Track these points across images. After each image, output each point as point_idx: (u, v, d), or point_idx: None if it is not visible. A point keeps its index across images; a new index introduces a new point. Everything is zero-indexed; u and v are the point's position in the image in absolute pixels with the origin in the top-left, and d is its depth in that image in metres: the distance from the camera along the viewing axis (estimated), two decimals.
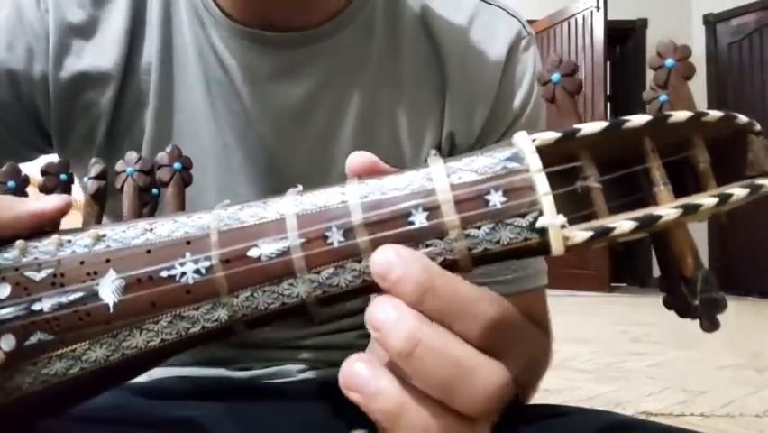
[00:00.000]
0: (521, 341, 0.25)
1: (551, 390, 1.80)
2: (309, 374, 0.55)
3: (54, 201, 0.27)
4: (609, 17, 4.98)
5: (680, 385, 1.91)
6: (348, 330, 0.55)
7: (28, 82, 0.49)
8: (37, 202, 0.27)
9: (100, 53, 0.50)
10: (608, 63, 5.25)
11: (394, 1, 0.53)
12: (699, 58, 5.67)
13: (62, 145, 0.52)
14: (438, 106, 0.53)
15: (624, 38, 5.88)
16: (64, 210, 0.27)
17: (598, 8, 4.93)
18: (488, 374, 0.23)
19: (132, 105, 0.51)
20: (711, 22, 5.67)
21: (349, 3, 0.51)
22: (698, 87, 5.50)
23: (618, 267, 5.27)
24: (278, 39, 0.50)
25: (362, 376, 0.23)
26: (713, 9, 5.64)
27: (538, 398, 0.53)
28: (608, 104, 5.34)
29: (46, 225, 0.27)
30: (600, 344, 2.70)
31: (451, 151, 0.54)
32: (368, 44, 0.52)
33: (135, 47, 0.51)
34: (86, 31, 0.50)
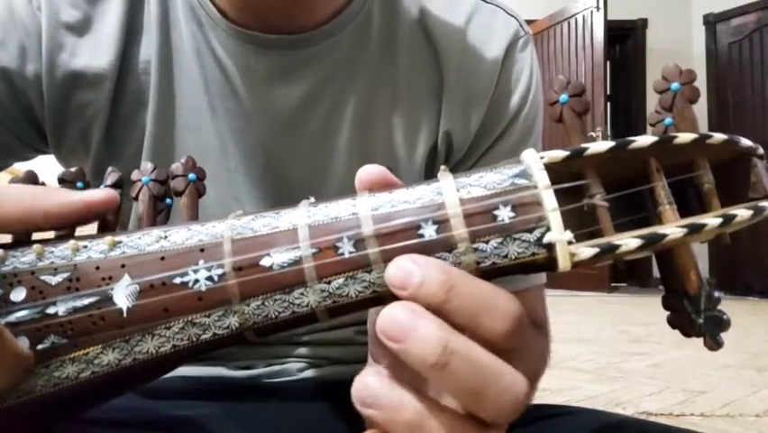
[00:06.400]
0: (531, 342, 0.26)
1: (551, 390, 1.80)
2: (309, 373, 0.55)
3: (106, 193, 0.27)
4: (609, 17, 4.98)
5: (679, 385, 1.91)
6: (348, 326, 0.55)
7: (21, 80, 0.49)
8: (90, 191, 0.27)
9: (95, 53, 0.49)
10: (608, 63, 5.25)
11: (391, 1, 0.54)
12: (699, 58, 5.67)
13: (57, 144, 0.51)
14: (435, 106, 0.53)
15: (624, 38, 5.88)
16: (114, 203, 0.28)
17: (598, 8, 4.92)
18: (511, 381, 0.23)
19: (131, 105, 0.50)
20: (711, 22, 5.67)
21: (346, 5, 0.51)
22: (698, 87, 5.49)
23: (618, 267, 5.26)
24: (275, 40, 0.50)
25: (378, 391, 0.23)
26: (713, 9, 5.64)
27: (538, 398, 0.53)
28: (608, 104, 5.34)
29: (93, 217, 0.27)
30: (600, 344, 2.70)
31: (448, 150, 0.54)
32: (365, 45, 0.52)
33: (132, 46, 0.50)
34: (79, 29, 0.49)
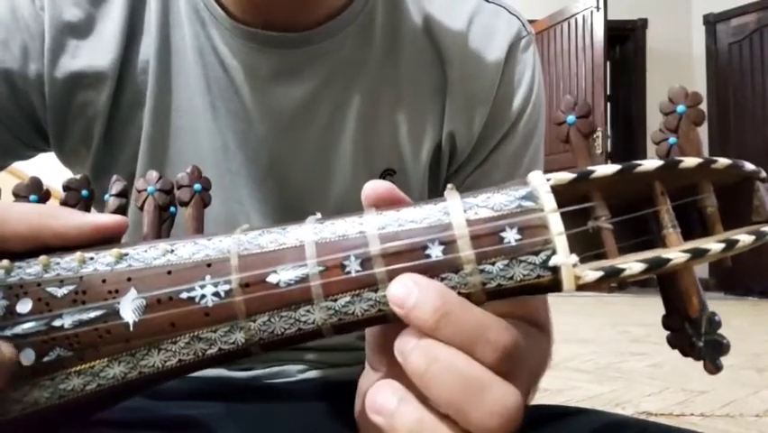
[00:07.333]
0: (527, 363, 0.26)
1: (551, 390, 1.80)
2: (310, 374, 0.55)
3: (116, 219, 0.28)
4: (609, 17, 4.97)
5: (679, 385, 1.91)
6: None
7: (23, 81, 0.49)
8: (100, 216, 0.28)
9: (96, 53, 0.49)
10: (608, 63, 5.25)
11: (394, 0, 0.54)
12: (699, 58, 5.67)
13: (59, 144, 0.51)
14: (438, 106, 0.53)
15: (624, 38, 5.87)
16: (123, 229, 0.28)
17: (598, 8, 4.92)
18: (501, 394, 0.23)
19: (130, 105, 0.50)
20: (711, 22, 5.67)
21: (349, 3, 0.51)
22: (698, 87, 5.49)
23: None
24: (279, 38, 0.50)
25: (383, 396, 0.24)
26: (713, 9, 5.64)
27: (538, 398, 0.53)
28: (608, 104, 5.34)
29: (101, 241, 0.27)
30: (600, 344, 2.69)
31: (452, 151, 0.54)
32: (368, 44, 0.52)
33: (132, 46, 0.50)
34: (82, 30, 0.49)
